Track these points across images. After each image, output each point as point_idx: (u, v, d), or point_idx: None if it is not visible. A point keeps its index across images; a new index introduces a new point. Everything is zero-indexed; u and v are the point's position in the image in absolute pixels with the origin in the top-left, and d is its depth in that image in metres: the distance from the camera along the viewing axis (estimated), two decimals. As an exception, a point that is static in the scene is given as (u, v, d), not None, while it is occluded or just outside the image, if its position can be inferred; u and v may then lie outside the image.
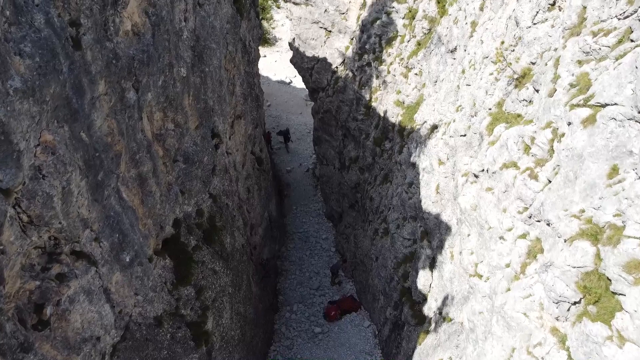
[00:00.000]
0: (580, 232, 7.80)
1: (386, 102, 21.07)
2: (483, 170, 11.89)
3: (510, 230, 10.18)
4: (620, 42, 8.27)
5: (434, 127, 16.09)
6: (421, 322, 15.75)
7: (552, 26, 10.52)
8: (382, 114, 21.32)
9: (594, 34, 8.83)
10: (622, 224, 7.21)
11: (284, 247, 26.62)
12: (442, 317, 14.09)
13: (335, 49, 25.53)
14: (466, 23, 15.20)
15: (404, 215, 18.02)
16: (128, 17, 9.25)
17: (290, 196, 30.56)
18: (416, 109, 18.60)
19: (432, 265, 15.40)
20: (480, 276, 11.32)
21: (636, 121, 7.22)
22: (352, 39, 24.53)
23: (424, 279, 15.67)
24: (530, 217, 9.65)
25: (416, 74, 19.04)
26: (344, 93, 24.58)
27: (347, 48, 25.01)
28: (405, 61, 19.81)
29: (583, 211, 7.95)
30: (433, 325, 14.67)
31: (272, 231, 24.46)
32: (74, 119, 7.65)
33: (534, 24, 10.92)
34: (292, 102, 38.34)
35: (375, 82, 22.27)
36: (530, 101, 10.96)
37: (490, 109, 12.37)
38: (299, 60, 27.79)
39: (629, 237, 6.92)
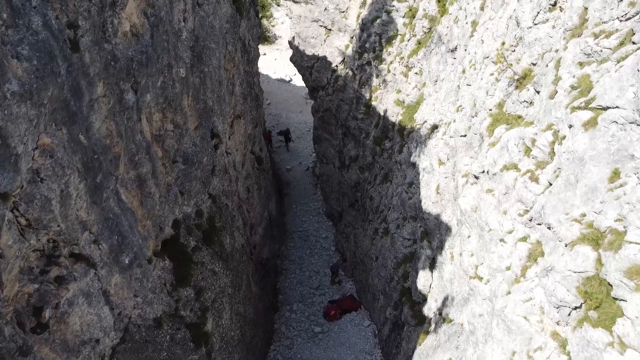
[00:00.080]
0: (581, 237, 7.75)
1: (386, 101, 21.01)
2: (483, 171, 11.83)
3: (510, 232, 10.13)
4: (621, 44, 8.20)
5: (434, 127, 16.04)
6: (421, 323, 15.74)
7: (553, 27, 10.44)
8: (382, 113, 21.26)
9: (596, 36, 8.76)
10: (623, 229, 7.17)
11: (283, 246, 26.56)
12: (442, 318, 14.07)
13: (335, 48, 25.44)
14: (467, 22, 15.13)
15: (404, 215, 17.99)
16: (126, 18, 9.20)
17: (290, 195, 30.49)
18: (416, 108, 18.54)
19: (432, 265, 15.37)
20: (481, 278, 11.29)
21: (638, 125, 7.15)
22: (352, 37, 24.43)
23: (424, 280, 15.65)
24: (530, 220, 9.60)
25: (416, 73, 18.98)
26: (344, 92, 24.51)
27: (347, 47, 24.93)
28: (405, 60, 19.74)
29: (584, 215, 7.90)
30: (433, 325, 14.65)
31: (272, 230, 24.42)
32: (72, 121, 7.61)
33: (535, 24, 10.84)
34: (292, 100, 38.22)
35: (375, 81, 22.20)
36: (531, 102, 10.89)
37: (490, 110, 12.31)
38: (299, 58, 27.71)
39: (630, 242, 6.88)
